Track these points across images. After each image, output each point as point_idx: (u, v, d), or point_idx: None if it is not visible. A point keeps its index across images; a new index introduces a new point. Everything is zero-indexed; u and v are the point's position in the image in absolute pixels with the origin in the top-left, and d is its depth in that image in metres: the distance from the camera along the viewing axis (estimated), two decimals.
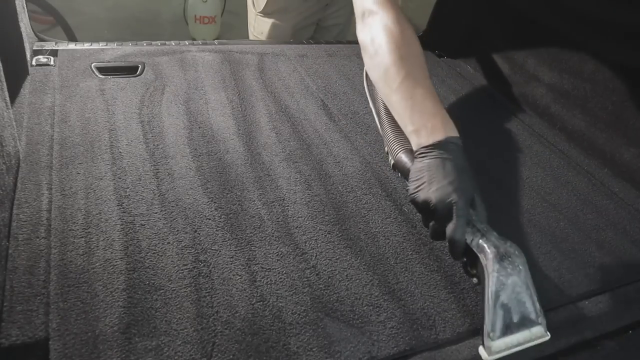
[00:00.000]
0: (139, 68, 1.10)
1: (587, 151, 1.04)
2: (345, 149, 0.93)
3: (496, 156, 0.99)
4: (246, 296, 0.62)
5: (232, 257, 0.67)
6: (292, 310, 0.61)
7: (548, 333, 0.62)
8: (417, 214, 0.75)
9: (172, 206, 0.74)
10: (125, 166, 0.80)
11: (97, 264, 0.62)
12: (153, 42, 1.24)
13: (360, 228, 0.75)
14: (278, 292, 0.63)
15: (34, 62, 1.06)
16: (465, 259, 0.69)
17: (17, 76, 0.96)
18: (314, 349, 0.57)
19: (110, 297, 0.59)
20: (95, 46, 1.17)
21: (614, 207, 0.89)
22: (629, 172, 0.97)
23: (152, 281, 0.61)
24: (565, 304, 0.68)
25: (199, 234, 0.70)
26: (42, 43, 1.15)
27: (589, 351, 0.64)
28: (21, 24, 1.01)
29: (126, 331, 0.55)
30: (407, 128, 0.74)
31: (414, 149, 0.73)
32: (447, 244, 0.66)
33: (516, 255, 0.63)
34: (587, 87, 1.05)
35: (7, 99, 0.76)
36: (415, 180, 0.69)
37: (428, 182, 0.67)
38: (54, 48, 1.13)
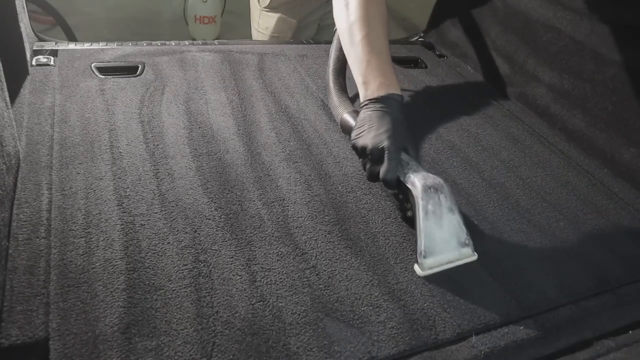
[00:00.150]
0: (139, 68, 1.10)
1: (587, 151, 1.04)
2: (345, 149, 0.93)
3: (496, 156, 0.99)
4: (246, 296, 0.62)
5: (232, 257, 0.67)
6: (292, 310, 0.61)
7: (475, 254, 0.72)
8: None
9: (172, 206, 0.74)
10: (125, 166, 0.80)
11: (97, 264, 0.62)
12: (153, 42, 1.24)
13: (360, 228, 0.75)
14: (278, 292, 0.63)
15: (34, 62, 1.06)
16: (401, 197, 0.79)
17: (17, 76, 0.96)
18: (314, 349, 0.57)
19: (110, 297, 0.59)
20: (95, 46, 1.17)
21: (614, 207, 0.89)
22: (629, 172, 0.97)
23: (152, 281, 0.61)
24: (565, 304, 0.68)
25: (199, 234, 0.70)
26: (42, 43, 1.15)
27: (589, 351, 0.64)
28: (21, 24, 1.01)
29: (126, 331, 0.55)
30: (358, 79, 0.84)
31: (361, 100, 0.83)
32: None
33: (441, 185, 0.72)
34: (587, 87, 1.05)
35: (7, 99, 0.76)
36: (357, 128, 0.80)
37: (367, 130, 0.78)
38: (54, 48, 1.13)
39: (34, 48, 1.12)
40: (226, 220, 0.73)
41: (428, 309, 0.64)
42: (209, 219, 0.72)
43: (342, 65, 1.02)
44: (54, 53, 1.11)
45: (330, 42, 1.39)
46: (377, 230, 0.76)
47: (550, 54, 1.14)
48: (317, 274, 0.66)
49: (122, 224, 0.69)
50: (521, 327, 0.63)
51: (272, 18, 1.56)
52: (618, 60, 0.99)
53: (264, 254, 0.68)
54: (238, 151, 0.88)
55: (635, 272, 0.75)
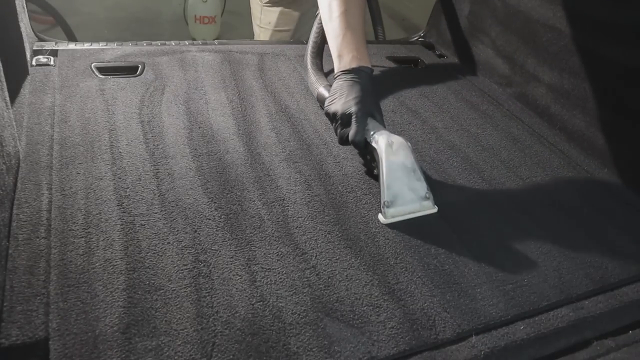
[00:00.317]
0: (139, 68, 1.10)
1: (587, 151, 1.04)
2: (345, 149, 0.93)
3: (496, 156, 0.99)
4: (246, 296, 0.62)
5: (232, 257, 0.67)
6: (292, 310, 0.61)
7: (436, 207, 0.81)
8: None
9: (172, 206, 0.74)
10: (125, 166, 0.80)
11: (97, 264, 0.62)
12: (153, 42, 1.24)
13: (360, 228, 0.75)
14: (278, 292, 0.63)
15: (34, 62, 1.06)
16: (368, 157, 0.87)
17: (17, 76, 0.96)
18: (314, 349, 0.57)
19: (110, 297, 0.59)
20: (95, 46, 1.17)
21: (614, 207, 0.89)
22: (629, 172, 0.97)
23: (152, 281, 0.61)
24: (565, 304, 0.68)
25: (199, 234, 0.70)
26: (42, 43, 1.15)
27: (589, 351, 0.64)
28: (21, 24, 1.02)
29: (126, 331, 0.55)
30: (334, 53, 0.92)
31: (335, 71, 0.91)
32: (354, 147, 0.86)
33: (404, 145, 0.80)
34: (587, 87, 1.05)
35: (7, 99, 0.76)
36: (330, 97, 0.89)
37: (338, 98, 0.86)
38: (54, 48, 1.13)
39: (34, 48, 1.12)
40: (226, 220, 0.73)
41: (428, 309, 0.64)
42: (209, 219, 0.72)
43: (320, 47, 1.11)
44: (54, 53, 1.11)
45: None
46: (377, 230, 0.76)
47: (550, 54, 1.14)
48: (317, 274, 0.66)
49: (122, 224, 0.69)
50: (521, 327, 0.63)
51: (274, 12, 1.56)
52: (618, 60, 0.99)
53: (264, 254, 0.68)
54: (238, 151, 0.88)
55: (635, 272, 0.75)
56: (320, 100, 0.98)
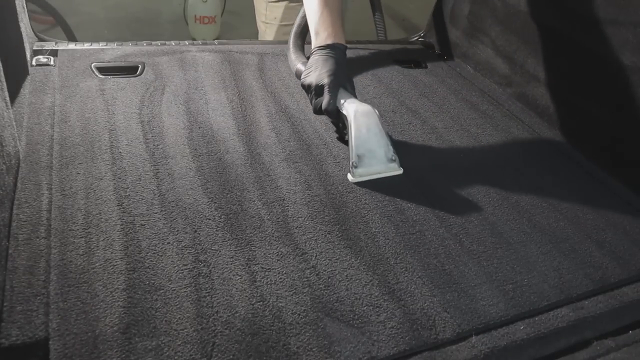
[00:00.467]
0: (139, 68, 1.10)
1: (587, 151, 1.04)
2: (345, 149, 0.93)
3: (496, 156, 0.99)
4: (246, 296, 0.62)
5: (232, 257, 0.67)
6: (292, 310, 0.61)
7: (401, 168, 0.88)
8: (417, 214, 0.81)
9: (172, 206, 0.74)
10: (125, 166, 0.80)
11: (97, 264, 0.62)
12: (153, 42, 1.24)
13: (360, 228, 0.75)
14: (278, 292, 0.63)
15: (34, 62, 1.06)
16: (340, 125, 0.94)
17: (17, 76, 0.96)
18: (314, 349, 0.57)
19: (110, 297, 0.59)
20: (95, 46, 1.17)
21: (614, 207, 0.89)
22: (629, 172, 0.97)
23: (152, 281, 0.61)
24: (565, 304, 0.68)
25: (199, 234, 0.70)
26: (42, 43, 1.15)
27: (589, 351, 0.64)
28: (21, 24, 1.01)
29: (126, 331, 0.55)
30: (312, 31, 0.99)
31: (312, 48, 0.98)
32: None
33: (371, 112, 0.87)
34: (587, 87, 1.05)
35: (7, 99, 0.76)
36: (306, 70, 0.96)
37: (313, 71, 0.93)
38: (54, 48, 1.13)
39: (34, 48, 1.12)
40: (226, 220, 0.73)
41: (428, 309, 0.64)
42: (209, 219, 0.72)
43: (303, 30, 1.15)
44: (54, 53, 1.11)
45: None
46: (377, 230, 0.76)
47: (550, 54, 1.14)
48: (317, 274, 0.66)
49: (122, 224, 0.69)
50: (521, 327, 0.63)
51: (280, 7, 1.57)
52: (618, 60, 0.99)
53: (264, 254, 0.68)
54: (238, 151, 0.88)
55: (635, 272, 0.75)
56: (298, 75, 1.03)
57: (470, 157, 0.98)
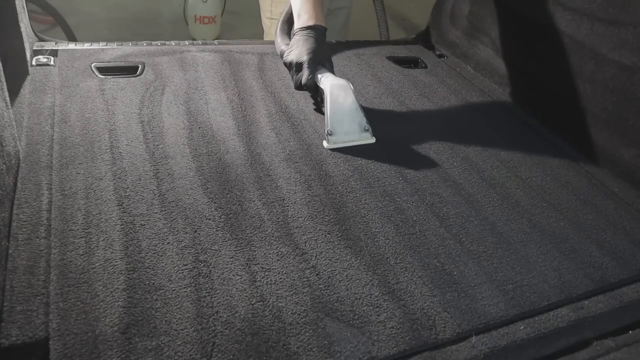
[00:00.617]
0: (139, 68, 1.10)
1: (587, 151, 1.04)
2: (345, 149, 0.93)
3: (496, 156, 0.99)
4: (246, 296, 0.62)
5: (232, 257, 0.67)
6: (292, 310, 0.61)
7: (374, 138, 0.96)
8: (417, 214, 0.81)
9: (172, 206, 0.74)
10: (125, 166, 0.80)
11: (97, 264, 0.62)
12: (153, 42, 1.24)
13: (360, 228, 0.75)
14: (278, 292, 0.63)
15: (34, 62, 1.06)
16: (319, 99, 1.02)
17: (17, 76, 0.96)
18: (314, 349, 0.57)
19: (110, 297, 0.59)
20: (95, 46, 1.17)
21: (614, 207, 0.89)
22: (629, 172, 0.97)
23: (152, 281, 0.61)
24: (565, 304, 0.68)
25: (199, 234, 0.70)
26: (42, 43, 1.15)
27: (589, 351, 0.64)
28: (21, 24, 1.02)
29: (126, 331, 0.55)
30: (295, 14, 1.07)
31: (294, 29, 1.05)
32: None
33: (346, 85, 0.95)
34: (587, 87, 1.05)
35: (7, 99, 0.76)
36: (288, 49, 1.03)
37: (294, 49, 1.01)
38: (54, 48, 1.13)
39: (34, 48, 1.12)
40: (226, 220, 0.73)
41: (428, 309, 0.64)
42: (209, 219, 0.72)
43: (290, 19, 1.19)
44: (54, 53, 1.11)
45: (330, 42, 1.39)
46: (377, 230, 0.76)
47: (550, 54, 1.14)
48: (317, 274, 0.66)
49: (122, 224, 0.69)
50: (521, 327, 0.63)
51: (285, 3, 1.57)
52: (618, 60, 0.99)
53: (264, 254, 0.68)
54: (238, 151, 0.88)
55: (635, 272, 0.75)
56: (282, 55, 1.09)
57: (470, 157, 0.98)
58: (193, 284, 0.62)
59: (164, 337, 0.55)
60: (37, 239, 0.65)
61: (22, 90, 0.95)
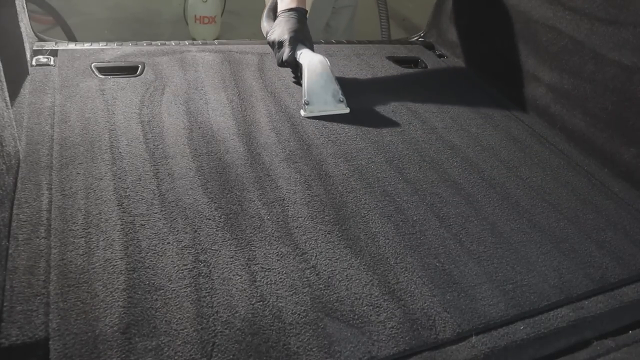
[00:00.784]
0: (139, 68, 1.10)
1: (587, 151, 1.04)
2: (345, 149, 0.93)
3: (496, 156, 0.99)
4: (246, 296, 0.62)
5: (232, 257, 0.67)
6: (292, 310, 0.61)
7: (348, 108, 1.04)
8: (416, 213, 0.81)
9: (172, 206, 0.74)
10: (125, 166, 0.80)
11: (97, 264, 0.62)
12: (153, 42, 1.24)
13: (360, 228, 0.75)
14: (278, 292, 0.63)
15: (34, 62, 1.06)
16: (299, 74, 1.07)
17: (17, 76, 0.96)
18: (314, 349, 0.57)
19: (110, 297, 0.59)
20: (95, 46, 1.17)
21: (614, 207, 0.89)
22: (629, 172, 0.97)
23: (152, 281, 0.61)
24: (565, 304, 0.68)
25: (199, 234, 0.70)
26: (42, 43, 1.15)
27: (589, 351, 0.64)
28: (21, 24, 1.01)
29: (126, 331, 0.55)
30: None
31: (278, 11, 1.13)
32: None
33: (323, 60, 1.04)
34: (587, 87, 1.05)
35: (7, 99, 0.76)
36: (272, 29, 1.12)
37: (277, 29, 1.10)
38: (54, 48, 1.13)
39: (34, 48, 1.12)
40: (226, 220, 0.73)
41: (428, 309, 0.64)
42: (209, 219, 0.72)
43: (276, 7, 1.24)
44: (54, 53, 1.11)
45: (330, 42, 1.39)
46: (377, 230, 0.76)
47: (550, 54, 1.14)
48: (317, 274, 0.66)
49: (122, 224, 0.69)
50: (521, 327, 0.63)
51: None
52: (618, 60, 0.99)
53: (264, 254, 0.68)
54: (238, 151, 0.88)
55: (635, 272, 0.75)
56: (266, 35, 1.16)
57: (470, 157, 0.98)
58: (193, 284, 0.62)
59: (164, 337, 0.55)
60: (37, 239, 0.65)
61: (22, 90, 0.95)
